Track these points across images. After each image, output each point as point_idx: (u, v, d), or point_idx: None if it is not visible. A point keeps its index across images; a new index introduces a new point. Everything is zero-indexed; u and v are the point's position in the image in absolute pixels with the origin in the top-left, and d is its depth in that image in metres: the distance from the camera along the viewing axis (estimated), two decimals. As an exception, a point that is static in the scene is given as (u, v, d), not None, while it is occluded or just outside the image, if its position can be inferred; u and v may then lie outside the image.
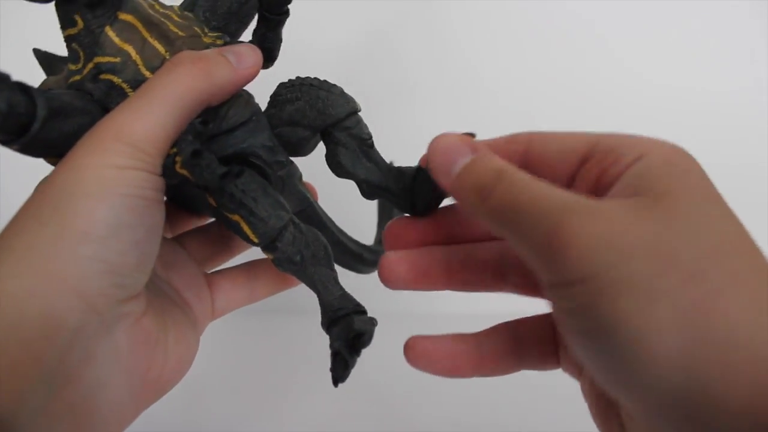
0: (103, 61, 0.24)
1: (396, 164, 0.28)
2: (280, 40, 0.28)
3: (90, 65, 0.25)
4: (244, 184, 0.25)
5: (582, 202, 0.18)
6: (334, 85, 0.27)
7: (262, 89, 0.28)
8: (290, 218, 0.25)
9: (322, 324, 0.25)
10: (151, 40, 0.25)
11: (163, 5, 0.27)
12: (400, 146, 0.33)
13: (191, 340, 0.27)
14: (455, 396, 0.44)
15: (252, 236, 0.25)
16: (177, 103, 0.23)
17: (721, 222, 0.18)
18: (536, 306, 0.24)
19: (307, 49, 0.43)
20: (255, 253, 0.31)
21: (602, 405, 0.22)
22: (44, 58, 0.29)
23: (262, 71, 0.28)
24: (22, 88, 0.21)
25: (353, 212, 0.39)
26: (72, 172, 0.21)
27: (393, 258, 0.24)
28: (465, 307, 0.41)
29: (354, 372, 0.23)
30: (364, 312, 0.25)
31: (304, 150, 0.28)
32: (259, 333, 0.54)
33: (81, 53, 0.25)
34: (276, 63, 0.29)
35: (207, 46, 0.26)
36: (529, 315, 0.25)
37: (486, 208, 0.19)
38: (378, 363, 0.35)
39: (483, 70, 0.57)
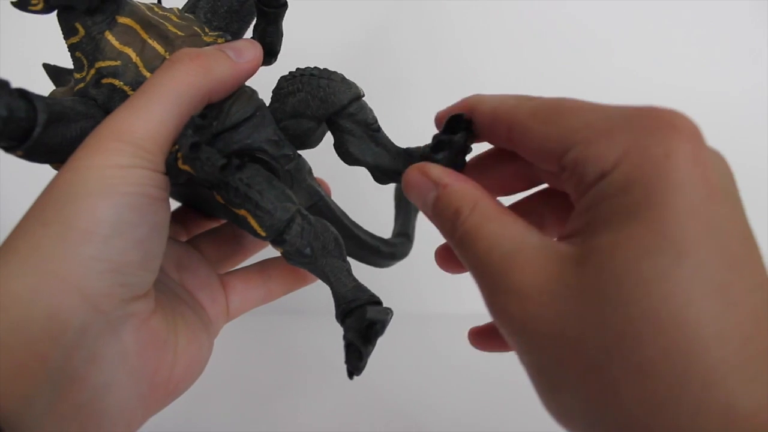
0: (104, 65, 0.25)
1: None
2: (281, 34, 0.28)
3: (92, 71, 0.25)
4: (249, 178, 0.24)
5: (517, 263, 0.18)
6: (335, 72, 0.26)
7: (267, 88, 0.28)
8: (297, 210, 0.25)
9: (336, 316, 0.24)
10: (150, 41, 0.25)
11: (162, 8, 0.27)
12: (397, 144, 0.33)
13: (203, 342, 0.26)
14: (463, 396, 0.43)
15: (259, 230, 0.24)
16: (176, 100, 0.22)
17: (646, 293, 0.15)
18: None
19: (305, 47, 0.43)
20: (269, 253, 0.30)
21: None
22: (52, 72, 0.30)
23: (265, 69, 0.27)
24: (22, 93, 0.21)
25: (370, 207, 0.38)
26: (74, 172, 0.21)
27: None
28: (464, 308, 0.41)
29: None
30: (379, 302, 0.24)
31: (311, 142, 0.28)
32: (266, 333, 0.54)
33: (84, 61, 0.25)
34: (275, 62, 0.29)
35: (207, 45, 0.25)
36: None
37: (454, 242, 0.21)
38: (385, 363, 0.34)
39: (479, 68, 0.56)
